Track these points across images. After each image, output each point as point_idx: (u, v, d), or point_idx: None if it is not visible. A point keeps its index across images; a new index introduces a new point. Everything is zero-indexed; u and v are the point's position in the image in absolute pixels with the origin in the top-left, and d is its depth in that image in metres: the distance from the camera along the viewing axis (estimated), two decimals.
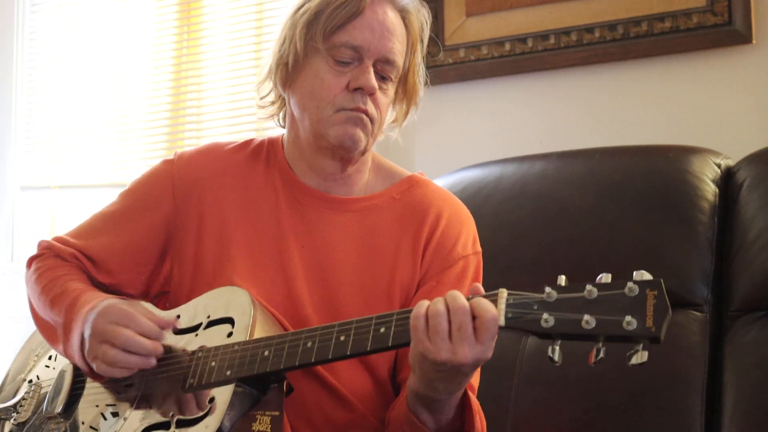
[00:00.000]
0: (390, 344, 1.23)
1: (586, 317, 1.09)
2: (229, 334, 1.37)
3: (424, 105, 1.60)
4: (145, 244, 1.55)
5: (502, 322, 1.15)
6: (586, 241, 1.90)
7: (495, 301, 1.16)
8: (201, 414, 1.30)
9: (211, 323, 1.41)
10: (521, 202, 2.02)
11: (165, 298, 1.58)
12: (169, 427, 1.32)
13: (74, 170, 3.20)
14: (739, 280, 1.78)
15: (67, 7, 3.27)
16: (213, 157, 1.59)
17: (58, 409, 1.50)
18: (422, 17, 1.52)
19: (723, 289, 1.81)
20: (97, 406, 1.47)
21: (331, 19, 1.43)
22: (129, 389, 1.41)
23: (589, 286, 1.11)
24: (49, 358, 1.64)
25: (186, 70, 3.05)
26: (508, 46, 2.38)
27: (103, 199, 1.64)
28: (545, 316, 1.12)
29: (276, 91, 1.53)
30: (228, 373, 1.31)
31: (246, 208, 1.53)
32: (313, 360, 1.27)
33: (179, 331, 1.43)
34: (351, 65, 1.44)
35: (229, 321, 1.39)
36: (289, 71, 1.48)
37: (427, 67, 1.57)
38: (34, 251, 1.61)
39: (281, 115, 1.58)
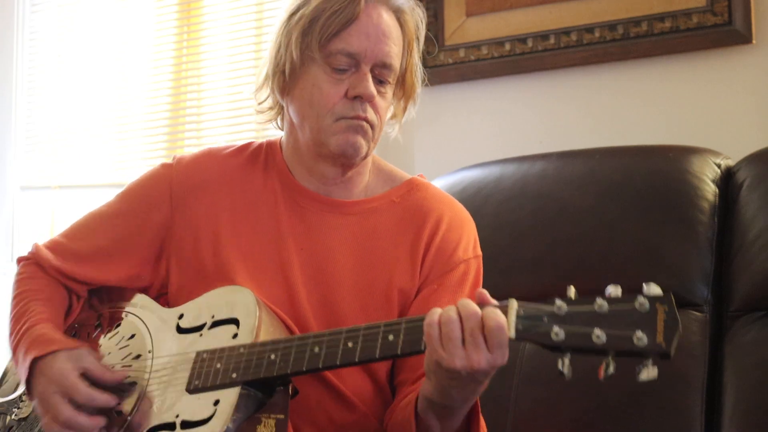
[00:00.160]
0: (399, 352, 1.22)
1: (597, 331, 1.09)
2: (234, 336, 1.37)
3: (423, 105, 1.60)
4: (139, 246, 1.55)
5: (512, 334, 1.14)
6: (586, 241, 1.90)
7: (505, 312, 1.15)
8: (206, 416, 1.30)
9: (216, 323, 1.40)
10: (521, 202, 2.02)
11: (164, 299, 1.57)
12: (174, 428, 1.32)
13: (74, 170, 3.19)
14: (739, 280, 1.78)
15: (67, 7, 3.27)
16: (211, 162, 1.59)
17: None
18: (417, 16, 1.51)
19: (723, 289, 1.81)
20: None
21: (326, 27, 1.41)
22: (132, 387, 1.41)
23: (599, 300, 1.11)
24: None
25: (186, 71, 3.05)
26: (508, 46, 2.38)
27: (103, 199, 1.63)
28: (555, 329, 1.11)
29: (274, 97, 1.53)
30: (234, 375, 1.31)
31: (245, 211, 1.53)
32: (321, 366, 1.27)
33: (183, 331, 1.43)
34: (348, 72, 1.43)
35: (234, 322, 1.38)
36: (287, 80, 1.47)
37: (427, 67, 1.57)
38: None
39: (279, 119, 1.57)
